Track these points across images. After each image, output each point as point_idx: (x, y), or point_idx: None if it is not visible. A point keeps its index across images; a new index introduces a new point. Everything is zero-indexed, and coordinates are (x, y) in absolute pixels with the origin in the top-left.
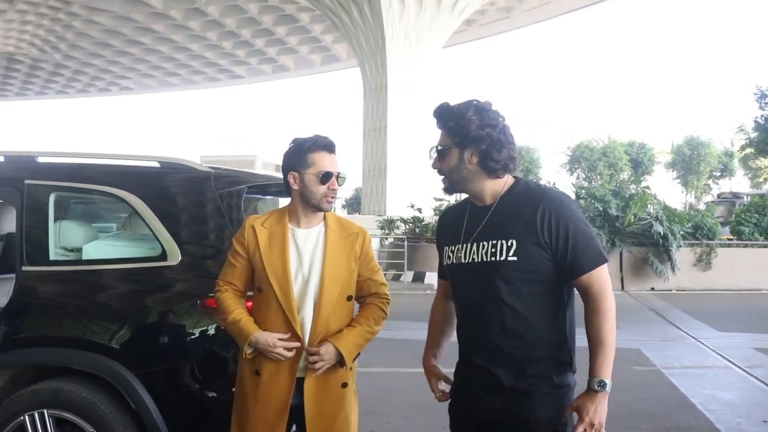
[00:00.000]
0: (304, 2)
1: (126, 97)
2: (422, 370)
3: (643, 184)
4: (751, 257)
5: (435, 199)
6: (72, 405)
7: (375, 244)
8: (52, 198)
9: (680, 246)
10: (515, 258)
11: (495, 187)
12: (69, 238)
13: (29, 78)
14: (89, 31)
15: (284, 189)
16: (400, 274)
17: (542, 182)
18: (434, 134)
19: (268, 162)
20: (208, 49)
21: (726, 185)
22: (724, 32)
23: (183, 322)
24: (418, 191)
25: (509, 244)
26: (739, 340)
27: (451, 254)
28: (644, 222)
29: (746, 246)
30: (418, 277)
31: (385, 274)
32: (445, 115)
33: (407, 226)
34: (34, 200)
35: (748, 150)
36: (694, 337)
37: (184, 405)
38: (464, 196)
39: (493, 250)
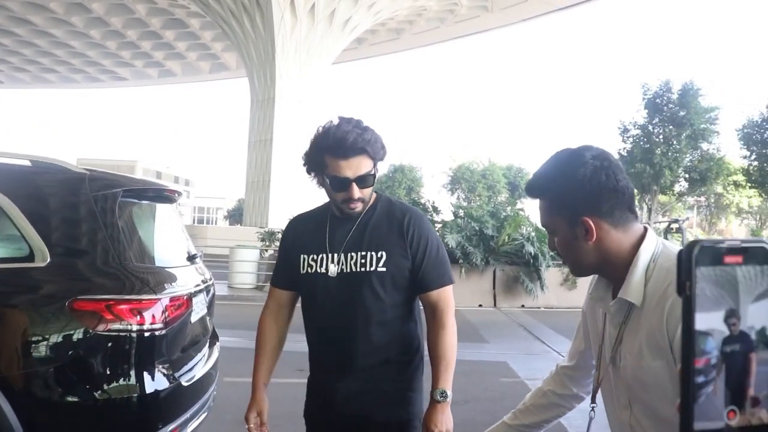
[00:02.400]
0: (194, 8)
1: None
2: (295, 380)
3: (518, 206)
4: None
5: None
6: None
7: (254, 255)
8: None
9: (549, 266)
10: (384, 269)
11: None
12: None
13: None
14: None
15: (162, 195)
16: None
17: (423, 200)
18: None
19: (148, 168)
20: (90, 48)
21: None
22: (597, 67)
23: (49, 325)
24: (300, 204)
25: (379, 255)
26: None
27: (313, 263)
28: (517, 242)
29: None
30: None
31: (263, 286)
32: (374, 140)
33: None
34: None
35: None
36: (556, 351)
37: (44, 411)
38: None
39: (363, 261)
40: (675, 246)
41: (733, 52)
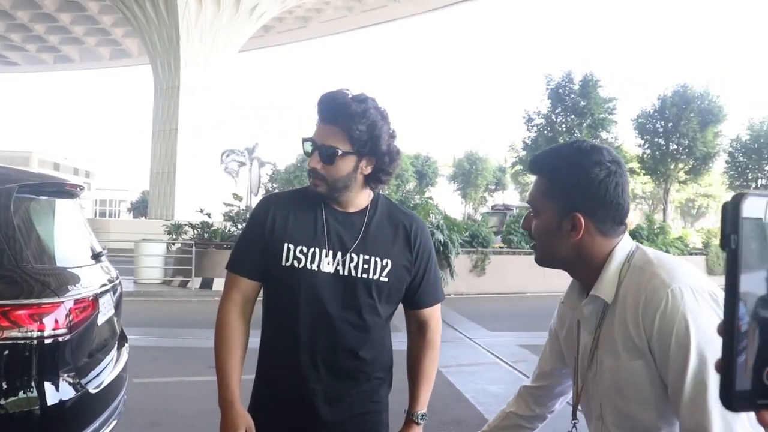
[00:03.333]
0: None
1: None
2: (211, 377)
3: (427, 194)
4: (518, 264)
5: (225, 204)
6: None
7: (161, 249)
8: None
9: (458, 253)
10: (386, 279)
11: (364, 197)
12: None
13: None
14: None
15: (62, 189)
16: (188, 281)
17: None
18: (227, 138)
19: (45, 159)
20: None
21: (500, 198)
22: (503, 59)
23: None
24: (207, 196)
25: (384, 263)
26: (506, 339)
27: (301, 256)
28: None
29: (515, 253)
30: (206, 284)
31: (171, 281)
32: (354, 117)
33: (195, 232)
34: None
35: (518, 167)
36: (468, 337)
37: None
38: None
39: (365, 266)
40: (649, 248)
41: (629, 45)
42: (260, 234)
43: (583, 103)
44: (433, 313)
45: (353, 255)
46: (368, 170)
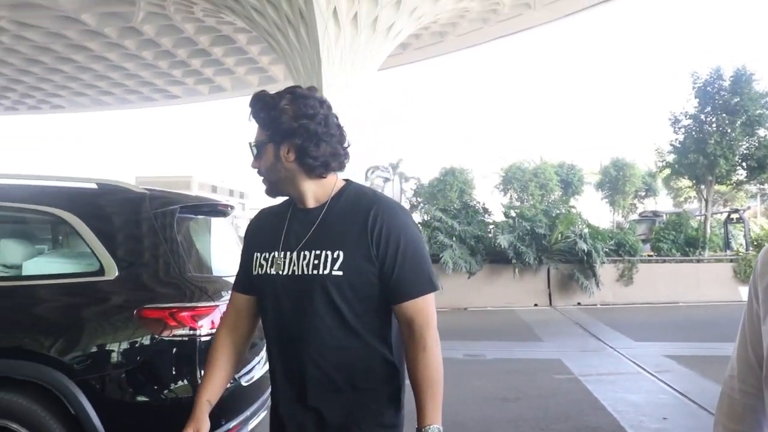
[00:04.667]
0: (240, 24)
1: (58, 115)
2: None
3: (573, 203)
4: (669, 272)
5: None
6: (12, 413)
7: None
8: None
9: (604, 262)
10: (341, 272)
11: (320, 189)
12: (8, 255)
13: None
14: (18, 46)
15: (215, 209)
16: None
17: (473, 202)
18: (370, 154)
19: (204, 183)
20: (144, 68)
21: (651, 204)
22: (644, 58)
23: (120, 332)
24: None
25: (335, 255)
26: (653, 349)
27: (264, 263)
28: (570, 240)
29: (664, 261)
30: None
31: None
32: (258, 104)
33: None
34: None
35: (667, 171)
36: (611, 347)
37: (121, 410)
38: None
39: (316, 261)
40: None
41: None
42: (244, 249)
43: (735, 100)
44: (419, 308)
45: (305, 252)
46: (291, 156)
